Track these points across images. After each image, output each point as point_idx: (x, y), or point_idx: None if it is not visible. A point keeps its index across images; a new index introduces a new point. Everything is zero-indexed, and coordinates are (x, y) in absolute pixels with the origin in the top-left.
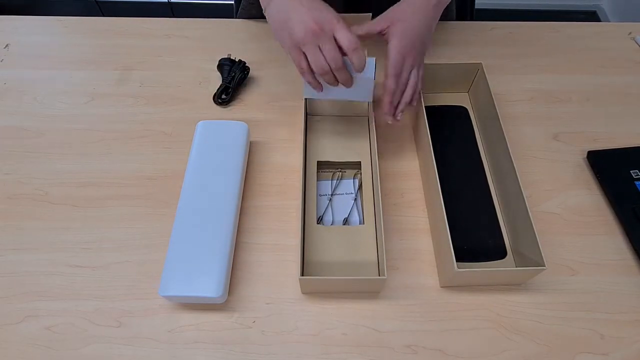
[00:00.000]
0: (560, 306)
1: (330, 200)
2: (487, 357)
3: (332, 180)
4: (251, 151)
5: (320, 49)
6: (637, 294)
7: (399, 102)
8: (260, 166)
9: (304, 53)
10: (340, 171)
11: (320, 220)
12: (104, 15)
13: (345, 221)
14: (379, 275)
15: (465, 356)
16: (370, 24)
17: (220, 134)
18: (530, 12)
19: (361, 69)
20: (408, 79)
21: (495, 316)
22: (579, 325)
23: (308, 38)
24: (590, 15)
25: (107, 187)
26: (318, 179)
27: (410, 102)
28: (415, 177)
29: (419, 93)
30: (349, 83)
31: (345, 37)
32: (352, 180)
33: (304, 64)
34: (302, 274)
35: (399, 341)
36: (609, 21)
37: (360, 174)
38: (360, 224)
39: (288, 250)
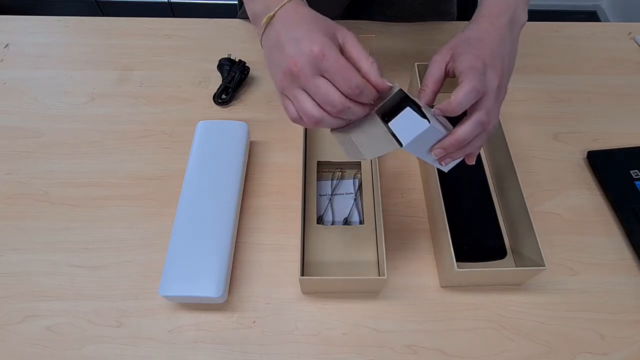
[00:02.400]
0: (560, 306)
1: (330, 200)
2: (487, 357)
3: (332, 180)
4: (251, 151)
5: (306, 91)
6: (637, 294)
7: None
8: (260, 166)
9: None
10: (340, 171)
11: (320, 220)
12: (104, 15)
13: (346, 221)
14: (379, 275)
15: (465, 356)
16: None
17: (220, 134)
18: (530, 12)
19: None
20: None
21: (495, 316)
22: (579, 325)
23: (285, 82)
24: (590, 15)
25: (107, 187)
26: (318, 179)
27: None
28: (415, 177)
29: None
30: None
31: (335, 73)
32: (352, 180)
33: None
34: (302, 274)
35: (399, 341)
36: (609, 21)
37: (360, 174)
38: (360, 224)
39: (288, 250)
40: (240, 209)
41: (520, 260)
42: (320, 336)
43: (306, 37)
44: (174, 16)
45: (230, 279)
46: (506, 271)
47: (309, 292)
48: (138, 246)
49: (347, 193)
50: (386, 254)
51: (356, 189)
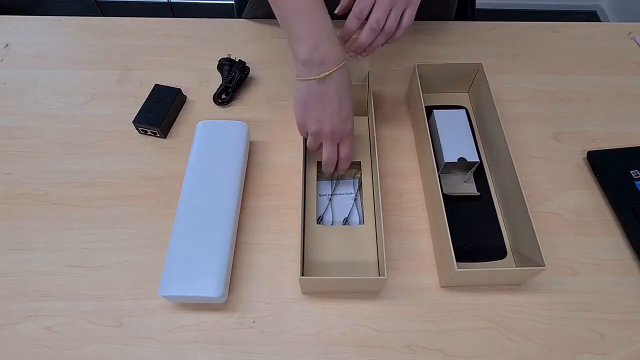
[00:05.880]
0: (560, 306)
1: (330, 200)
2: (487, 357)
3: (332, 180)
4: (251, 151)
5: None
6: (637, 294)
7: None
8: (260, 166)
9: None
10: (337, 173)
11: (320, 220)
12: (104, 15)
13: (345, 221)
14: (379, 275)
15: (465, 356)
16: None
17: (220, 134)
18: (530, 12)
19: (340, 169)
20: (383, 21)
21: (495, 316)
22: (579, 325)
23: (320, 136)
24: (590, 15)
25: (107, 187)
26: (318, 179)
27: (381, 44)
28: (415, 177)
29: (399, 33)
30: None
31: (344, 152)
32: (352, 180)
33: (313, 147)
34: (302, 274)
35: (399, 341)
36: (609, 21)
37: (361, 173)
38: (360, 224)
39: (288, 250)
40: (240, 209)
41: (520, 260)
42: (320, 336)
43: (347, 109)
44: (174, 16)
45: (230, 279)
46: (506, 271)
47: (309, 292)
48: (138, 246)
49: (347, 193)
50: (386, 254)
51: (356, 189)
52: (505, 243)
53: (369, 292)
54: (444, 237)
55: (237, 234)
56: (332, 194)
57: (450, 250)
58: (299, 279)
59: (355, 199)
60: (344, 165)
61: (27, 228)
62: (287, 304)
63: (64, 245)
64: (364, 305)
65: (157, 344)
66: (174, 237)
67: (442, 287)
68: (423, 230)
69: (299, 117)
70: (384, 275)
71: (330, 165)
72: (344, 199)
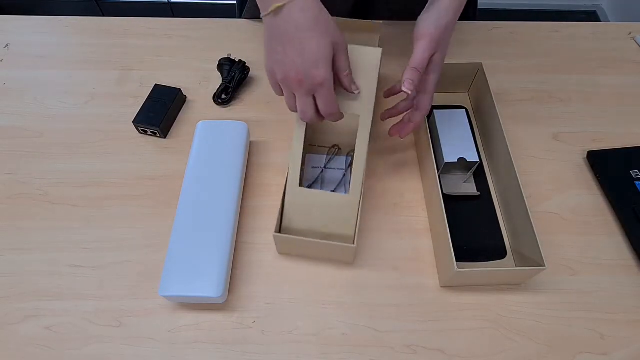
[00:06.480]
0: (560, 306)
1: (322, 172)
2: (487, 357)
3: (327, 155)
4: (251, 151)
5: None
6: (637, 294)
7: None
8: (260, 166)
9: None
10: (336, 148)
11: (309, 188)
12: (104, 15)
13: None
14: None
15: (465, 356)
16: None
17: (220, 134)
18: (530, 12)
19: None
20: (429, 86)
21: (495, 316)
22: (579, 325)
23: (288, 85)
24: (590, 15)
25: (107, 187)
26: (313, 152)
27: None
28: (415, 177)
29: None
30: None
31: (321, 106)
32: (345, 157)
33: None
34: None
35: (399, 341)
36: (609, 21)
37: (355, 152)
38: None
39: None
40: (240, 209)
41: (520, 260)
42: (320, 336)
43: (313, 49)
44: (174, 16)
45: (230, 279)
46: (506, 271)
47: (285, 253)
48: (138, 246)
49: (338, 168)
50: (384, 251)
51: (347, 165)
52: (505, 243)
53: (341, 261)
54: (444, 237)
55: (237, 234)
56: (324, 167)
57: (450, 250)
58: (274, 236)
59: (344, 175)
60: (332, 119)
61: (27, 228)
62: (287, 304)
63: (64, 245)
64: (363, 305)
65: (157, 344)
66: (174, 237)
67: (442, 287)
68: (423, 230)
69: (266, 63)
70: (353, 244)
71: (308, 119)
72: (335, 173)
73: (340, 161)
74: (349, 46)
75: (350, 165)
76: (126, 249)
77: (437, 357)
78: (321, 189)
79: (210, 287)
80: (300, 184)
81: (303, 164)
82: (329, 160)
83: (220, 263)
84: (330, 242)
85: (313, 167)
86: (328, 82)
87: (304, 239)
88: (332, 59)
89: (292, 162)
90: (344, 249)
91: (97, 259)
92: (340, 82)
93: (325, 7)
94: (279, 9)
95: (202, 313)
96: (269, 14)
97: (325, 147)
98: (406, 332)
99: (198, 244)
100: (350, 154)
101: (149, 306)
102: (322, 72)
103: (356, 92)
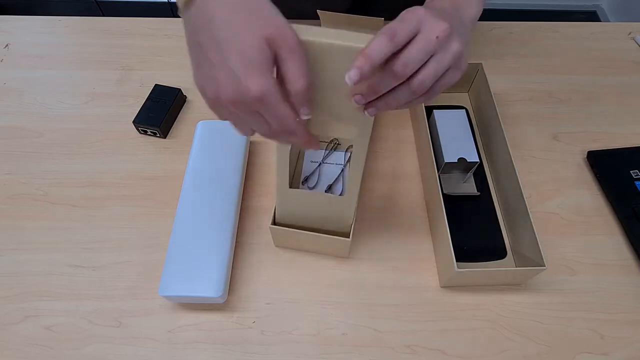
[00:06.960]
0: (560, 306)
1: (320, 166)
2: (487, 357)
3: (325, 149)
4: (251, 151)
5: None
6: (637, 294)
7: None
8: (260, 166)
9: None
10: (335, 143)
11: (305, 180)
12: (104, 15)
13: (329, 188)
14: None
15: (465, 356)
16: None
17: (221, 134)
18: (530, 12)
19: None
20: (418, 58)
21: (495, 316)
22: (579, 325)
23: (221, 106)
24: (590, 15)
25: (107, 187)
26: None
27: (410, 101)
28: (415, 177)
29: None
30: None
31: (273, 121)
32: (343, 152)
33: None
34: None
35: (399, 341)
36: (609, 21)
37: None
38: (341, 195)
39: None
40: (240, 209)
41: (520, 260)
42: (320, 336)
43: (240, 51)
44: (174, 16)
45: (230, 279)
46: (506, 271)
47: (280, 245)
48: (138, 246)
49: (336, 164)
50: (384, 251)
51: (345, 160)
52: (505, 243)
53: (336, 255)
54: (444, 237)
55: (237, 234)
56: (322, 162)
57: (450, 250)
58: (269, 228)
59: (342, 170)
60: (299, 140)
61: (28, 228)
62: (287, 304)
63: (64, 245)
64: (363, 305)
65: (157, 343)
66: (173, 237)
67: (442, 287)
68: (423, 230)
69: (194, 79)
70: (348, 238)
71: (276, 138)
72: (332, 168)
73: (339, 156)
74: (334, 43)
75: (349, 160)
76: (126, 249)
77: (437, 357)
78: (317, 183)
79: (210, 287)
80: (296, 180)
81: (300, 158)
82: (327, 155)
83: (220, 263)
84: (325, 235)
85: (311, 162)
86: (269, 93)
87: (299, 231)
88: (272, 61)
89: (279, 166)
90: (338, 242)
91: (97, 259)
92: (292, 99)
93: (324, 4)
94: (188, 7)
95: (202, 313)
96: (181, 9)
97: (324, 141)
98: (406, 332)
99: (198, 244)
100: (349, 149)
101: (149, 306)
102: (257, 82)
103: (304, 117)
